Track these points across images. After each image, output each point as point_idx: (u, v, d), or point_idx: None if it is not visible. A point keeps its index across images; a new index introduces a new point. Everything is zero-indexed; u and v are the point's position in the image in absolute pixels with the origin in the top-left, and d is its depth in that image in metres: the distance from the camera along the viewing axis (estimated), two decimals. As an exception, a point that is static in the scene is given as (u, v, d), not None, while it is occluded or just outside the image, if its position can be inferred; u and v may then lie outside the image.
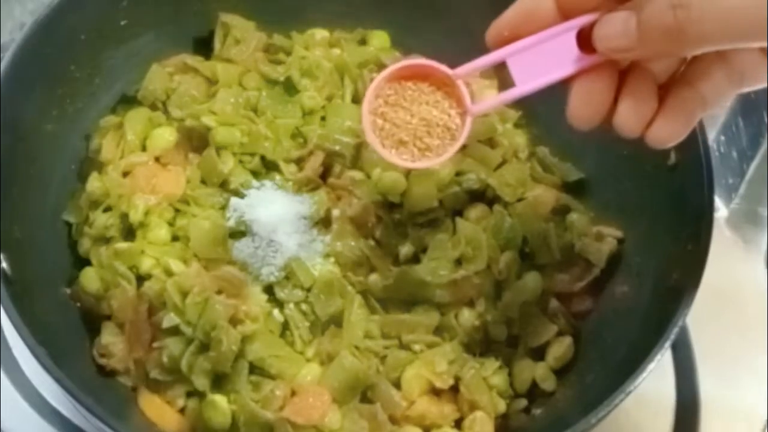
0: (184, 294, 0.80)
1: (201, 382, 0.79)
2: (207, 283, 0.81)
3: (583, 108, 0.62)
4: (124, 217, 0.85)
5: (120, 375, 0.82)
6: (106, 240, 0.86)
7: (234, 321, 0.79)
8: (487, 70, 0.67)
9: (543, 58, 0.62)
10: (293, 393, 0.80)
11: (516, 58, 0.63)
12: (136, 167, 0.88)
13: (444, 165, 0.89)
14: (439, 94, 0.66)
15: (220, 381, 0.80)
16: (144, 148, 0.90)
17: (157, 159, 0.90)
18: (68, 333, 0.83)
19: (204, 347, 0.79)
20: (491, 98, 0.67)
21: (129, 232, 0.86)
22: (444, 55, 0.96)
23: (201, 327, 0.78)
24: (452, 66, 0.65)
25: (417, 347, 0.83)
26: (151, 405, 0.81)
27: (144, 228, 0.85)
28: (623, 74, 0.62)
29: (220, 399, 0.79)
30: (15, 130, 0.81)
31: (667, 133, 0.62)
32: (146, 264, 0.84)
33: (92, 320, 0.84)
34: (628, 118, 0.61)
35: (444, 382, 0.81)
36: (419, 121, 0.66)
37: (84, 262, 0.87)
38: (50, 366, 0.69)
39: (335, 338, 0.82)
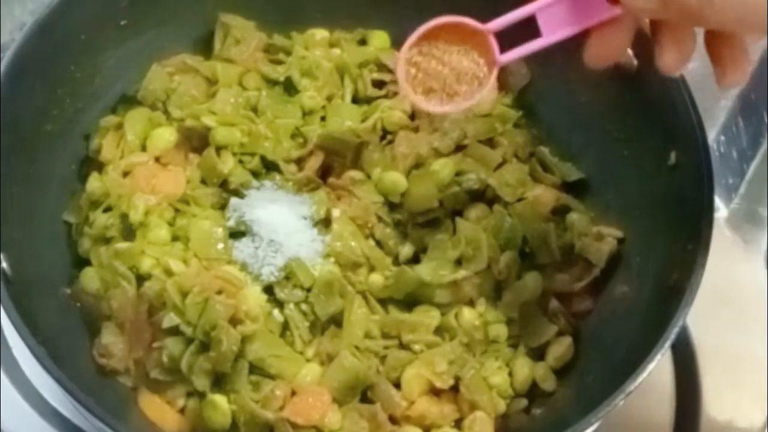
0: (184, 294, 0.79)
1: (201, 383, 0.78)
2: (207, 283, 0.80)
3: (600, 47, 0.67)
4: (124, 217, 0.85)
5: (120, 375, 0.82)
6: (106, 240, 0.86)
7: (234, 321, 0.79)
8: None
9: (569, 10, 0.66)
10: (293, 393, 0.79)
11: (544, 11, 0.67)
12: (136, 167, 0.88)
13: (444, 165, 0.89)
14: (468, 45, 0.70)
15: (220, 381, 0.79)
16: (144, 148, 0.90)
17: (157, 159, 0.90)
18: (68, 333, 0.82)
19: (204, 347, 0.78)
20: (518, 48, 0.70)
21: (129, 232, 0.86)
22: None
23: (201, 327, 0.78)
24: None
25: (417, 347, 0.83)
26: (151, 405, 0.80)
27: (144, 228, 0.85)
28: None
29: (220, 399, 0.78)
30: (15, 130, 0.81)
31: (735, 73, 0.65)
32: (146, 264, 0.83)
33: (92, 320, 0.84)
34: (671, 58, 0.65)
35: (444, 382, 0.81)
36: (450, 71, 0.70)
37: (84, 262, 0.87)
38: (50, 366, 0.69)
39: (335, 338, 0.82)
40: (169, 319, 0.79)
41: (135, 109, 0.92)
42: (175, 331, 0.79)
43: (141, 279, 0.83)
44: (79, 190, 0.89)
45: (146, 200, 0.85)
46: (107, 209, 0.87)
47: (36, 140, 0.85)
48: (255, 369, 0.80)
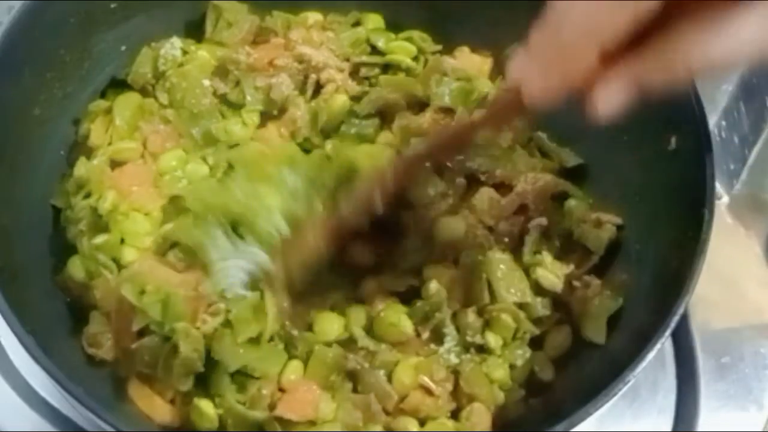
0: (143, 293, 0.78)
1: (182, 383, 0.77)
2: (164, 277, 0.78)
3: None
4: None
5: (109, 365, 0.80)
6: (85, 226, 0.84)
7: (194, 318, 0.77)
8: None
9: None
10: (281, 389, 0.78)
11: None
12: (128, 164, 0.87)
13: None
14: None
15: (204, 380, 0.78)
16: (133, 131, 0.89)
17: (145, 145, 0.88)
18: (57, 322, 0.81)
19: (176, 348, 0.76)
20: None
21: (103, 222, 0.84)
22: (437, 34, 0.96)
23: (168, 325, 0.76)
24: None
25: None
26: (142, 395, 0.79)
27: (118, 217, 0.83)
28: None
29: (206, 405, 0.77)
30: (3, 115, 0.81)
31: None
32: (128, 254, 0.82)
33: (81, 309, 0.83)
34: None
35: (444, 389, 0.79)
36: None
37: (73, 249, 0.85)
38: (39, 355, 0.68)
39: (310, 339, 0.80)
40: (138, 321, 0.77)
41: (124, 94, 0.91)
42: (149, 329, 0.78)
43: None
44: (67, 175, 0.88)
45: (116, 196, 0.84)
46: (87, 195, 0.85)
47: (24, 125, 0.85)
48: (238, 371, 0.78)
